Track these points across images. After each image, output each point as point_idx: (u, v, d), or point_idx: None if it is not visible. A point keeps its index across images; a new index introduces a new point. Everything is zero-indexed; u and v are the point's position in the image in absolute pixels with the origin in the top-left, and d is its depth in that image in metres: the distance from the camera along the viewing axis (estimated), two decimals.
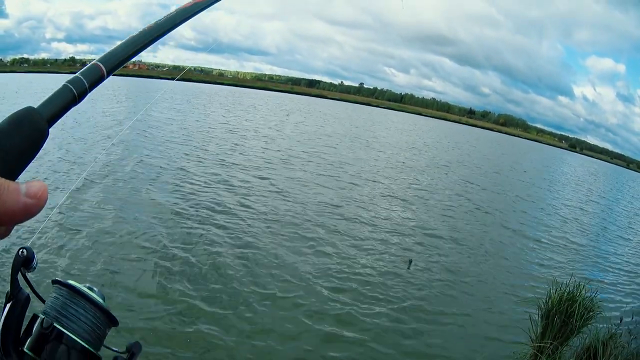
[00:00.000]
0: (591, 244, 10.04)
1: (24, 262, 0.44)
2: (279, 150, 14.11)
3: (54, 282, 0.48)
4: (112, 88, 33.67)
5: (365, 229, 7.52)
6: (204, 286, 4.67)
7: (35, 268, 0.45)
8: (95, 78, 0.44)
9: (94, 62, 0.45)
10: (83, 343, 0.45)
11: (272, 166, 11.42)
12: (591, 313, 3.67)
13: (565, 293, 4.02)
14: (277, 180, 9.88)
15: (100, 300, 0.48)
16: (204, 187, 8.53)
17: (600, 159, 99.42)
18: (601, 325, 3.80)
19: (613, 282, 7.41)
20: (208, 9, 0.62)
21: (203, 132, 16.71)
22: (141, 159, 10.07)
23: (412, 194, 11.18)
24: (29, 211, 0.34)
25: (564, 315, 3.93)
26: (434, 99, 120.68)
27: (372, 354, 4.06)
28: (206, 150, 12.62)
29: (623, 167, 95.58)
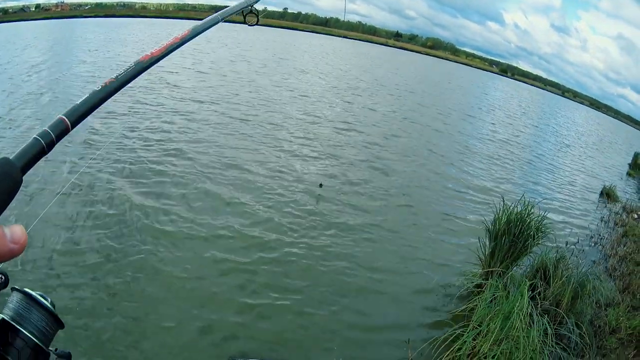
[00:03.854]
0: (533, 167, 10.56)
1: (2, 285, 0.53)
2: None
3: (13, 289, 0.57)
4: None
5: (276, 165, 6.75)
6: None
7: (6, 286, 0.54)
8: (60, 130, 0.51)
9: (59, 116, 0.52)
10: (36, 340, 0.54)
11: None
12: (540, 234, 3.72)
13: (513, 214, 4.08)
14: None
15: (51, 307, 0.57)
16: None
17: (534, 85, 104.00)
18: (551, 246, 3.91)
19: (558, 207, 7.67)
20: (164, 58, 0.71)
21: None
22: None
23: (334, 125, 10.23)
24: (13, 255, 0.41)
25: (512, 235, 4.01)
26: (359, 22, 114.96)
27: (316, 293, 3.77)
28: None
29: (558, 94, 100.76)
